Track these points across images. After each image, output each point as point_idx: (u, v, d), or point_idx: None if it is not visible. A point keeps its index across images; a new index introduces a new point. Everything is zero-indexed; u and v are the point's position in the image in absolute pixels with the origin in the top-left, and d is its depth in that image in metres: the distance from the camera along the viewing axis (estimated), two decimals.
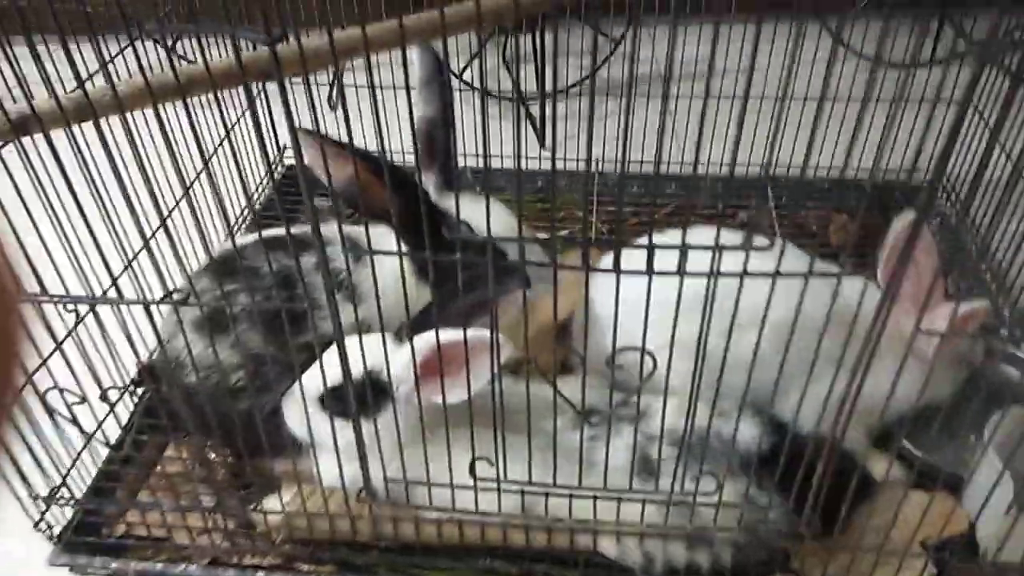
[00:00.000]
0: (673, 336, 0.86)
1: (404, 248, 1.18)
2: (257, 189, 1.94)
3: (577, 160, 1.99)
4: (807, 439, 1.01)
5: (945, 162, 0.78)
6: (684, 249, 0.78)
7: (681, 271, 0.79)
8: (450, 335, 0.95)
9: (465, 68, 2.24)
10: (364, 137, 1.28)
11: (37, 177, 0.98)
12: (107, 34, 0.98)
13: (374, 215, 1.21)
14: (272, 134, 0.83)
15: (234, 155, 0.85)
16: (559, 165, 2.00)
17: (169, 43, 1.55)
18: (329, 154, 1.07)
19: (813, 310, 0.85)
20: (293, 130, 0.81)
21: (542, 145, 2.16)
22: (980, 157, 0.85)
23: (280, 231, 1.22)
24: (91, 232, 1.02)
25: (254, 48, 1.44)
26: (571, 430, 1.13)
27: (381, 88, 0.80)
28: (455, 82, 2.17)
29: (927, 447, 1.19)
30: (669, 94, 0.74)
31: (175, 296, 0.92)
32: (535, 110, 2.20)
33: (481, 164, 1.88)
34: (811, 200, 1.85)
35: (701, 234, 0.82)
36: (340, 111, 0.80)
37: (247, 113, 0.90)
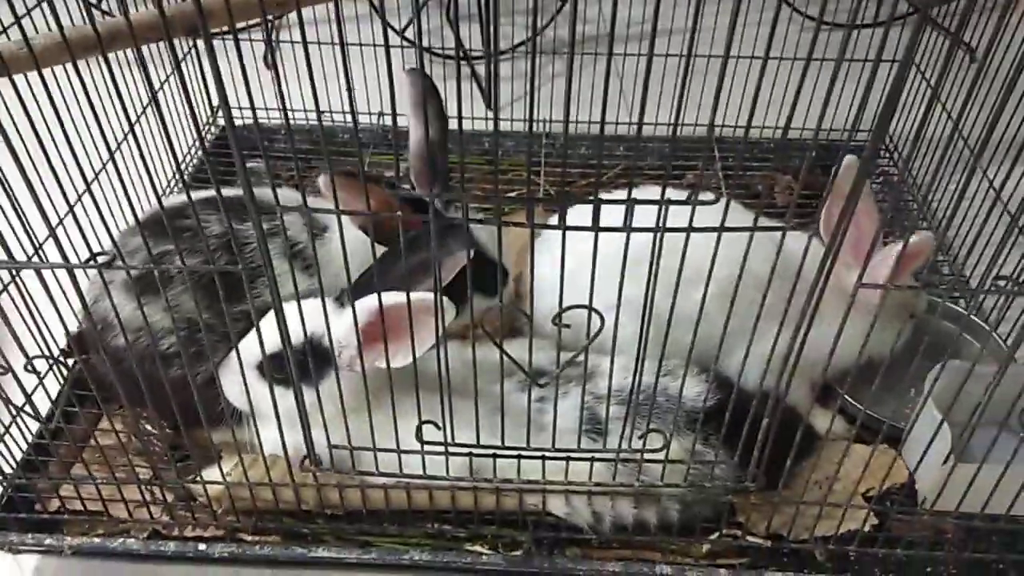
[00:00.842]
0: (620, 294, 0.86)
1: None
2: (188, 152, 1.87)
3: (524, 121, 1.96)
4: (752, 395, 1.01)
5: (887, 120, 0.78)
6: (630, 204, 0.77)
7: (628, 227, 0.78)
8: (392, 298, 0.93)
9: (407, 26, 2.19)
10: (302, 96, 1.23)
11: None
12: None
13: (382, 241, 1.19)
14: (218, 87, 0.79)
15: (160, 117, 0.80)
16: (506, 126, 1.97)
17: None
18: (365, 192, 1.05)
19: (757, 266, 0.85)
20: (223, 94, 0.76)
21: (488, 106, 2.12)
22: (921, 116, 0.85)
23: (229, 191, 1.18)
24: (11, 195, 0.97)
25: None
26: (519, 392, 1.12)
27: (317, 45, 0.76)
28: (396, 39, 2.11)
29: (869, 401, 1.21)
30: (614, 54, 0.72)
31: (99, 259, 0.87)
32: (481, 70, 2.16)
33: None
34: (756, 161, 1.86)
35: (647, 192, 0.82)
36: (278, 70, 0.76)
37: (175, 71, 0.85)
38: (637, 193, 0.80)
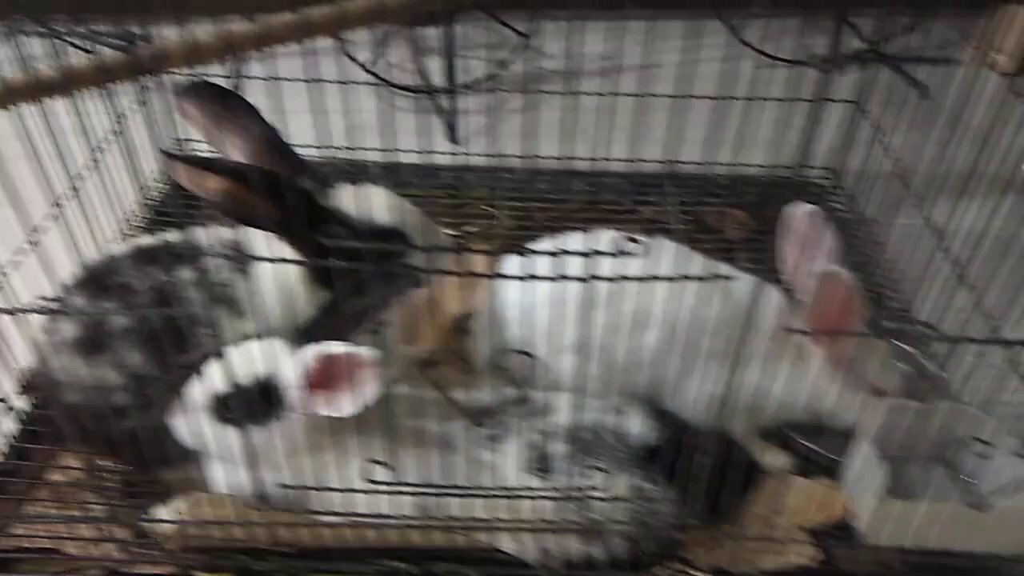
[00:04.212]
0: (542, 333, 0.89)
1: (290, 255, 1.17)
2: (141, 191, 1.87)
3: (485, 155, 1.99)
4: (693, 432, 1.04)
5: (844, 159, 0.81)
6: (560, 255, 0.80)
7: (558, 276, 0.81)
8: (333, 350, 0.95)
9: (375, 63, 2.22)
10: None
11: None
12: None
13: (256, 225, 1.18)
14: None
15: (95, 167, 0.82)
16: (467, 161, 2.00)
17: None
18: (196, 172, 1.05)
19: (704, 310, 0.88)
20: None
21: (452, 140, 2.15)
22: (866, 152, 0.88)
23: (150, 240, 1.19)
24: None
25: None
26: (467, 430, 1.14)
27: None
28: (362, 75, 2.14)
29: (811, 435, 1.23)
30: (576, 91, 0.75)
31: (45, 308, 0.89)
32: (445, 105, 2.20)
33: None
34: (710, 196, 1.90)
35: (601, 235, 0.84)
36: None
37: (120, 120, 0.87)
38: (576, 239, 0.84)
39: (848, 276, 1.05)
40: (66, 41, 1.90)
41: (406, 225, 1.18)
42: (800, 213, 1.16)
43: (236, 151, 1.20)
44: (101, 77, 1.20)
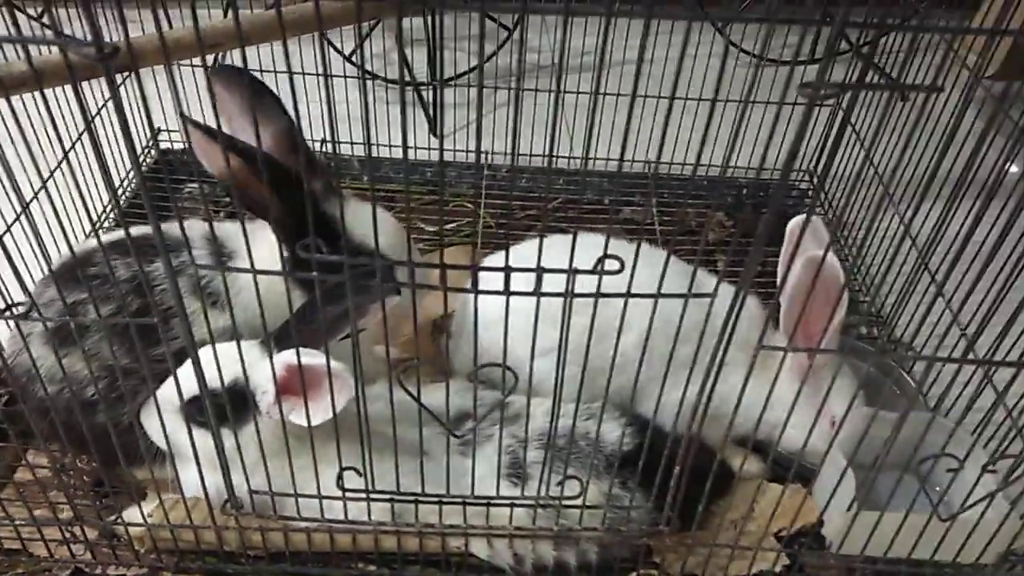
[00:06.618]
0: (533, 348, 0.89)
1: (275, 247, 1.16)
2: (123, 183, 1.83)
3: (467, 151, 1.98)
4: (666, 438, 1.04)
5: (827, 170, 0.81)
6: (539, 272, 0.79)
7: (537, 292, 0.81)
8: (308, 361, 0.94)
9: (354, 52, 2.19)
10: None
11: None
12: None
13: (254, 212, 1.16)
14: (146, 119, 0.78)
15: (96, 148, 0.79)
16: (448, 156, 1.98)
17: None
18: (210, 145, 1.05)
19: (676, 316, 0.88)
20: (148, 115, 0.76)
21: (434, 133, 2.14)
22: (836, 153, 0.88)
23: (141, 230, 1.17)
24: None
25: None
26: (441, 437, 1.14)
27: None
28: (343, 67, 2.12)
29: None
30: (562, 87, 0.73)
31: (16, 310, 0.87)
32: (428, 97, 2.18)
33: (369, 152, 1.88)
34: (690, 198, 1.91)
35: (564, 247, 0.83)
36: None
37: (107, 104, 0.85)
38: (552, 246, 0.83)
39: (836, 265, 1.05)
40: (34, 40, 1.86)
41: (392, 251, 1.20)
42: (794, 223, 1.19)
43: (255, 140, 1.18)
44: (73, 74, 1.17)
